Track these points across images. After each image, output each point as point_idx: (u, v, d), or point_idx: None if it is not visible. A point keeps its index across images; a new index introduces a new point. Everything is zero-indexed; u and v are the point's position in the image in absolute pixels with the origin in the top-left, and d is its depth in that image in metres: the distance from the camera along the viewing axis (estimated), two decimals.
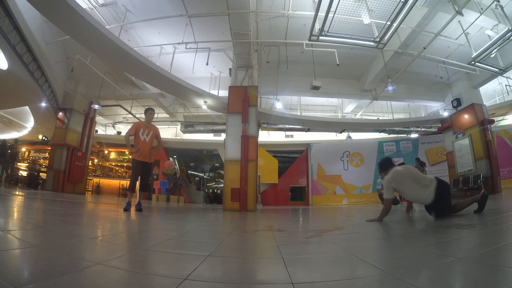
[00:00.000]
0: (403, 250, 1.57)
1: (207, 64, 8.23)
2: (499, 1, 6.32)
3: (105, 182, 15.52)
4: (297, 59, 9.22)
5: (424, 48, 7.22)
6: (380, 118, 12.92)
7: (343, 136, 13.42)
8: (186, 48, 8.23)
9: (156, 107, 11.46)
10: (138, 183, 4.53)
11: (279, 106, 10.53)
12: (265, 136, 13.60)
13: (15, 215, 2.59)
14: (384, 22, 5.97)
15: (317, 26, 6.15)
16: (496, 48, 7.04)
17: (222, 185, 10.27)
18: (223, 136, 10.86)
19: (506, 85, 10.51)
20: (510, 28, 6.43)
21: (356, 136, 13.60)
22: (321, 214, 6.18)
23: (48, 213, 3.17)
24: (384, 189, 3.08)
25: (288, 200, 13.46)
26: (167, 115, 13.22)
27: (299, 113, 11.51)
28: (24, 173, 13.21)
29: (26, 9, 6.09)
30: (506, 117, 11.92)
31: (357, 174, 12.95)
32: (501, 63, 7.80)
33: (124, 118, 13.59)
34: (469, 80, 10.03)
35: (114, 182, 15.44)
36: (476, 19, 6.64)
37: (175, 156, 15.55)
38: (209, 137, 13.71)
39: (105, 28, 6.02)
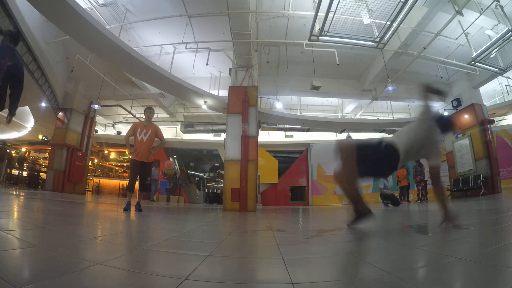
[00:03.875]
0: (403, 250, 1.57)
1: (207, 64, 8.23)
2: (499, 1, 6.32)
3: (105, 182, 15.52)
4: (297, 59, 9.22)
5: (424, 48, 7.22)
6: (380, 118, 12.91)
7: (343, 136, 13.41)
8: (186, 48, 8.23)
9: (156, 107, 11.47)
10: (137, 183, 4.53)
11: (279, 106, 10.53)
12: (265, 136, 13.60)
13: (15, 215, 2.59)
14: (384, 22, 5.98)
15: (317, 26, 6.16)
16: (496, 48, 7.05)
17: (222, 185, 10.27)
18: (223, 136, 10.85)
19: (506, 85, 10.52)
20: (510, 28, 6.43)
21: (356, 136, 13.59)
22: (321, 214, 6.18)
23: (48, 213, 3.17)
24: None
25: (288, 200, 13.45)
26: (167, 115, 13.23)
27: (299, 113, 11.51)
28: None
29: (26, 9, 6.08)
30: (506, 117, 11.92)
31: None
32: (501, 63, 7.81)
33: (124, 118, 13.60)
34: (469, 80, 10.04)
35: (114, 182, 15.44)
36: (476, 19, 6.64)
37: (175, 156, 15.55)
38: (209, 137, 13.71)
39: (105, 28, 6.02)
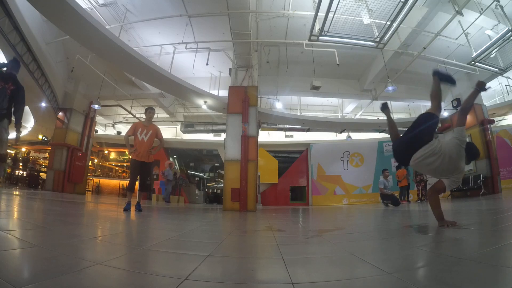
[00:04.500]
0: (403, 250, 1.57)
1: (207, 64, 8.23)
2: (499, 1, 6.32)
3: (105, 182, 15.52)
4: (297, 59, 9.21)
5: (424, 48, 7.22)
6: (380, 118, 12.90)
7: (343, 136, 13.41)
8: (186, 48, 8.23)
9: (156, 107, 11.42)
10: (137, 183, 4.53)
11: (279, 106, 10.53)
12: (265, 136, 13.60)
13: (15, 215, 2.59)
14: (384, 22, 5.98)
15: (317, 26, 6.16)
16: (496, 48, 7.05)
17: (222, 185, 10.27)
18: (223, 136, 10.85)
19: (506, 85, 10.51)
20: (510, 28, 6.43)
21: (356, 136, 13.60)
22: (321, 214, 6.18)
23: (48, 213, 3.17)
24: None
25: (288, 200, 13.46)
26: (167, 115, 13.22)
27: (299, 113, 11.51)
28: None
29: (26, 9, 6.08)
30: (506, 117, 11.91)
31: (357, 174, 12.95)
32: (501, 63, 7.81)
33: (124, 118, 13.59)
34: (469, 80, 10.02)
35: (114, 182, 15.44)
36: (476, 19, 6.64)
37: (175, 156, 15.55)
38: (209, 137, 13.71)
39: (105, 28, 6.02)
